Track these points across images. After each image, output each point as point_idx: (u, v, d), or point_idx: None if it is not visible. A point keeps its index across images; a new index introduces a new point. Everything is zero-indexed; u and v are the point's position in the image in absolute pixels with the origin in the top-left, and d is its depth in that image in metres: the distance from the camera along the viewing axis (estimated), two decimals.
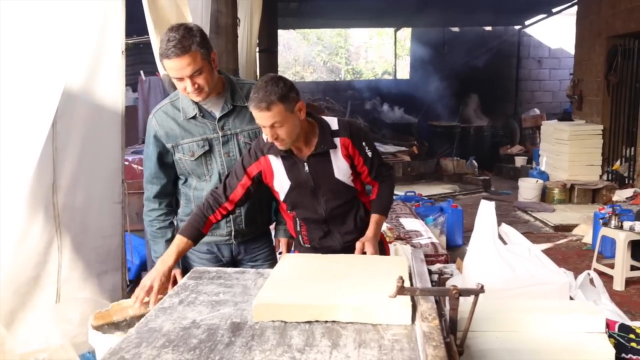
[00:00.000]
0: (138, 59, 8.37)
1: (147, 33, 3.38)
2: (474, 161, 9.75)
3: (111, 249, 2.88)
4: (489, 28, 13.16)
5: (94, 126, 2.71)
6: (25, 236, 2.48)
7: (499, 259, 3.14)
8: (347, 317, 1.54)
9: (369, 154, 2.19)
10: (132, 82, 8.17)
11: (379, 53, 19.82)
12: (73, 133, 2.63)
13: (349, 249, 2.21)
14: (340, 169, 2.17)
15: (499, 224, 3.68)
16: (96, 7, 2.65)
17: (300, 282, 1.74)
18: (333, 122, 2.18)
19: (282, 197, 2.23)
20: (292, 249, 2.52)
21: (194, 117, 2.23)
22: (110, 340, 2.04)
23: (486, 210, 3.35)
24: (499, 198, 8.12)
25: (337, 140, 2.14)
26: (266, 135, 2.05)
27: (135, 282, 3.75)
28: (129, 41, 2.77)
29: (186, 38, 2.02)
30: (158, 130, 2.25)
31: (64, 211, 2.60)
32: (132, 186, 4.14)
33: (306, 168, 2.14)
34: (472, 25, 12.84)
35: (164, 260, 2.04)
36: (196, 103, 2.22)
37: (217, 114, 2.24)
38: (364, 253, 2.12)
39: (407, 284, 1.62)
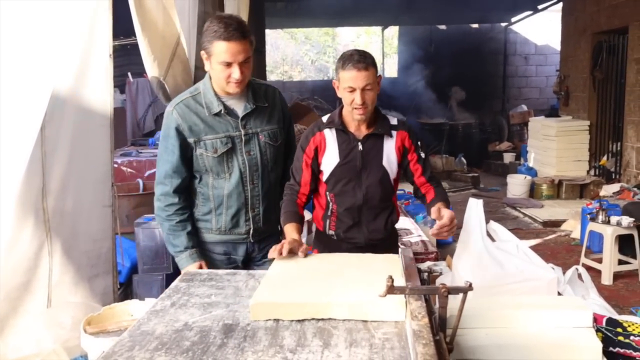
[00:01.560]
0: (125, 60, 8.33)
1: (133, 34, 3.37)
2: (462, 158, 9.82)
3: (102, 253, 2.88)
4: (475, 25, 13.24)
5: (82, 130, 2.71)
6: (16, 241, 2.47)
7: (488, 256, 3.17)
8: (342, 315, 1.56)
9: (422, 155, 2.30)
10: (119, 84, 8.13)
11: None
12: (62, 137, 2.62)
13: (371, 247, 2.20)
14: (390, 159, 2.24)
15: (487, 221, 3.71)
16: (83, 10, 2.64)
17: (296, 281, 1.75)
18: (393, 119, 2.31)
19: (326, 175, 2.27)
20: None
21: (218, 114, 2.23)
22: (103, 343, 2.04)
23: (474, 208, 3.38)
24: (488, 195, 8.18)
25: (393, 132, 2.25)
26: (351, 103, 2.13)
27: (126, 285, 3.74)
28: (116, 43, 2.76)
29: (243, 25, 2.11)
30: (181, 123, 2.22)
31: (54, 215, 2.59)
32: (121, 189, 4.13)
33: (359, 147, 2.22)
34: (459, 23, 12.92)
35: (289, 235, 2.10)
36: (220, 100, 2.23)
37: (240, 113, 2.25)
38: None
39: (401, 281, 1.64)
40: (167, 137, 2.26)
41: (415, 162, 2.28)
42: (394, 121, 2.29)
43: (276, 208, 2.38)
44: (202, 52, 2.17)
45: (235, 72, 2.11)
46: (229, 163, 2.26)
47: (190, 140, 2.23)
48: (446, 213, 2.13)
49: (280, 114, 2.37)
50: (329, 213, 2.32)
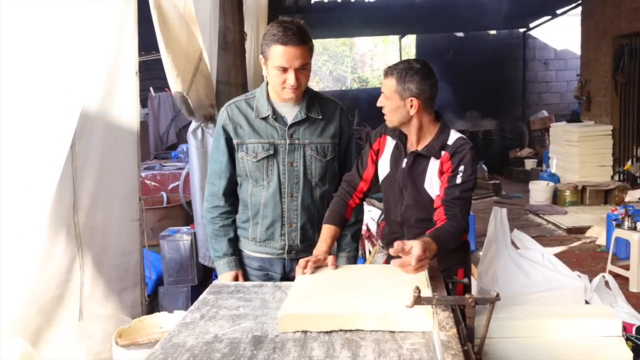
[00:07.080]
0: (147, 75, 8.49)
1: (154, 49, 3.43)
2: (483, 165, 9.73)
3: (130, 266, 2.93)
4: (493, 32, 13.18)
5: (111, 146, 2.78)
6: (48, 256, 2.53)
7: (513, 265, 3.15)
8: (369, 326, 1.57)
9: (458, 180, 1.98)
10: (141, 98, 8.27)
11: (385, 60, 19.87)
12: (91, 154, 2.69)
13: None
14: (433, 183, 2.07)
15: (511, 230, 3.69)
16: (110, 29, 2.72)
17: (323, 292, 1.77)
18: (453, 136, 2.09)
19: (381, 180, 2.21)
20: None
21: (265, 118, 2.20)
22: (134, 356, 2.09)
23: (498, 217, 3.37)
24: (510, 202, 8.11)
25: (443, 152, 2.05)
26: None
27: (152, 297, 3.80)
28: (139, 59, 2.83)
29: (303, 30, 2.07)
30: (228, 123, 2.22)
31: (84, 230, 2.65)
32: (145, 202, 4.19)
33: (404, 163, 2.11)
34: (477, 30, 12.87)
35: (318, 247, 2.04)
36: (271, 105, 2.20)
37: (289, 121, 2.21)
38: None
39: (427, 292, 1.65)
40: (218, 136, 2.26)
41: (442, 187, 2.01)
42: (452, 139, 2.06)
43: (318, 227, 2.23)
44: (260, 57, 2.12)
45: (291, 78, 2.06)
46: (269, 170, 2.21)
47: (234, 142, 2.22)
48: (415, 248, 1.71)
49: (337, 130, 2.28)
50: (379, 221, 2.32)
